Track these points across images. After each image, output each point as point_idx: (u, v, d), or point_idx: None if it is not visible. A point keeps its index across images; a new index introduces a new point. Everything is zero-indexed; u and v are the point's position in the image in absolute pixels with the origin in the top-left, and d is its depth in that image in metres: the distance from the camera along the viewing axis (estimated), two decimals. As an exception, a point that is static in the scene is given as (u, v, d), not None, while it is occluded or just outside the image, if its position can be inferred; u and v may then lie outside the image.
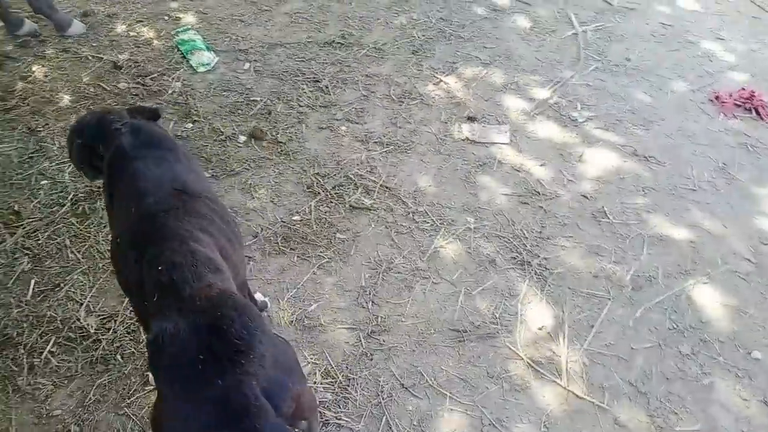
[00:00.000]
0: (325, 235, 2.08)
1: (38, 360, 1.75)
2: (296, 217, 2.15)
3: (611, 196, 2.20)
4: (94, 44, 2.99)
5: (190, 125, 2.53)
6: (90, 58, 2.90)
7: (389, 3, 3.18)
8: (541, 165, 2.32)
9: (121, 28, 3.10)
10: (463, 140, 2.44)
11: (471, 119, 2.51)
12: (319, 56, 2.86)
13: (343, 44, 2.92)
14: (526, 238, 2.06)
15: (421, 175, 2.30)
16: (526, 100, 2.61)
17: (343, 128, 2.49)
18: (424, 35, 2.95)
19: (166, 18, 3.16)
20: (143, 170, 1.31)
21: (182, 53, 2.90)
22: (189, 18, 3.15)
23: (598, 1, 3.16)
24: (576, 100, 2.59)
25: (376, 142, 2.43)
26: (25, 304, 1.89)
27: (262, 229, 2.11)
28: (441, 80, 2.70)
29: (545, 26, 2.99)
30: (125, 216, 1.27)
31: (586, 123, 2.49)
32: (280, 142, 2.44)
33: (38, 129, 2.52)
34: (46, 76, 2.81)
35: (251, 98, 2.65)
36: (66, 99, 2.67)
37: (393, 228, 2.11)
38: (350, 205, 2.18)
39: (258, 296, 1.85)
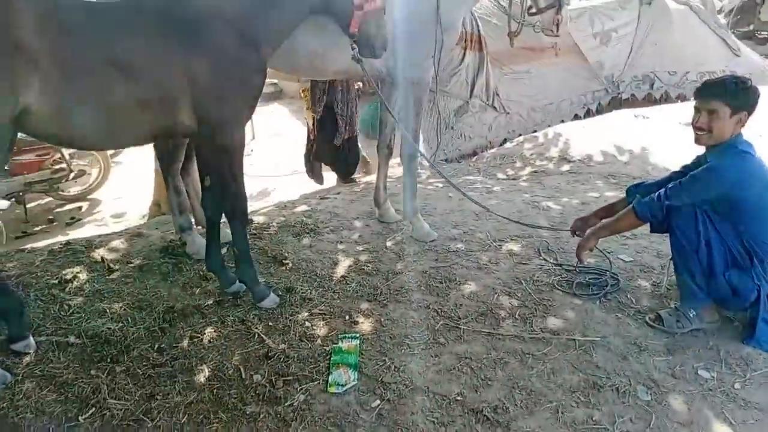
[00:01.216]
0: None
1: None
2: None
3: None
4: (270, 323, 3.07)
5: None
6: (256, 337, 2.96)
7: (576, 385, 2.59)
8: None
9: (303, 314, 3.14)
10: None
11: None
12: (453, 424, 2.40)
13: (488, 420, 2.40)
14: None
15: None
16: None
17: None
18: (593, 448, 2.27)
19: (347, 317, 3.12)
20: None
21: (329, 363, 2.76)
22: (365, 325, 3.05)
23: None
24: None
25: None
26: None
27: None
28: None
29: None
30: None
31: None
32: None
33: (156, 396, 2.55)
34: (210, 342, 2.93)
35: (351, 449, 2.30)
36: (203, 373, 2.70)
37: None
38: None
39: None
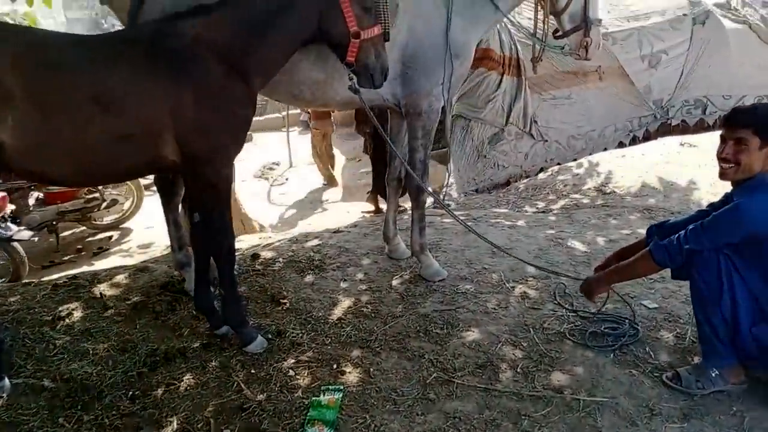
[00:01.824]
0: None
1: None
2: None
3: None
4: (252, 370, 2.89)
5: None
6: (235, 385, 2.78)
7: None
8: None
9: (289, 361, 2.96)
10: None
11: None
12: (428, 498, 2.14)
13: (467, 494, 2.14)
14: None
15: None
16: None
17: None
18: None
19: (335, 366, 2.91)
20: None
21: (305, 418, 2.55)
22: (352, 376, 2.83)
23: None
24: None
25: None
26: None
27: None
28: None
29: None
30: None
31: None
32: None
33: (117, 451, 2.41)
34: (186, 390, 2.77)
35: None
36: (171, 426, 2.53)
37: None
38: None
39: None
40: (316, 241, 4.47)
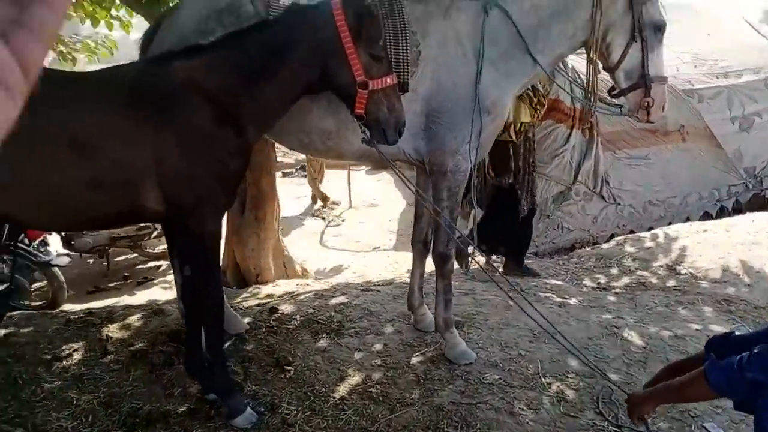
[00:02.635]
0: None
1: None
2: None
3: None
4: (233, 451, 2.58)
5: None
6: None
7: None
8: None
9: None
10: None
11: None
12: None
13: None
14: None
15: None
16: None
17: None
18: None
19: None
20: None
21: None
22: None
23: None
24: None
25: None
26: None
27: None
28: None
29: None
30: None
31: None
32: None
33: None
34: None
35: None
36: None
37: None
38: None
39: None
40: (341, 299, 4.14)
